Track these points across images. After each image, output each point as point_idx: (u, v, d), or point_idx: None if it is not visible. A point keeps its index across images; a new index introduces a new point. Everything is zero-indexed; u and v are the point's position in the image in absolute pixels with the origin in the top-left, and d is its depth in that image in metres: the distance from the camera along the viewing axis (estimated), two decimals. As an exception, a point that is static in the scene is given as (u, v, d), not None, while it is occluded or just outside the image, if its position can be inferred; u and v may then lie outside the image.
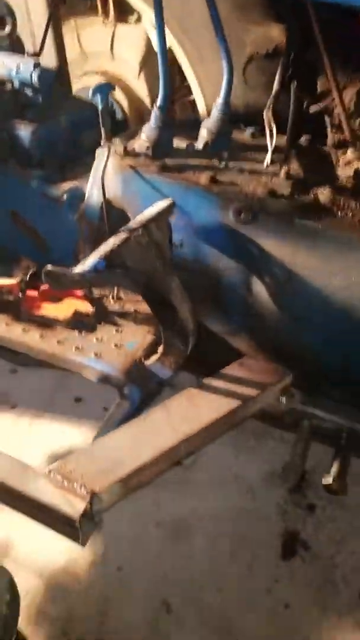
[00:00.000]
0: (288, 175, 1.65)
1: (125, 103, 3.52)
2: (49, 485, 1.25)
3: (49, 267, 1.32)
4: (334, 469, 1.45)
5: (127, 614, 1.83)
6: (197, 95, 2.83)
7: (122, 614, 1.83)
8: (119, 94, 3.57)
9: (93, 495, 1.23)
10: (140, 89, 3.38)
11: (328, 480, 1.44)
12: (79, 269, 1.36)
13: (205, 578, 1.94)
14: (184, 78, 3.18)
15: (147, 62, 3.16)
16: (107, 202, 1.83)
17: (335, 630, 1.82)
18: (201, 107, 2.63)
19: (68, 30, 3.05)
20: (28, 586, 1.88)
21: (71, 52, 3.03)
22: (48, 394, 2.62)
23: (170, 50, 2.78)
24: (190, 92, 2.99)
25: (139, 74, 3.44)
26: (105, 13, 3.19)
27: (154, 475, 1.35)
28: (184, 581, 1.93)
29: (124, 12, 3.12)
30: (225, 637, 1.79)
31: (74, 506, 1.20)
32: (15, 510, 1.32)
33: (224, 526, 2.09)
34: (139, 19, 3.10)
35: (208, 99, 2.54)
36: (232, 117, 2.12)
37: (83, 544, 1.24)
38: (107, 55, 3.42)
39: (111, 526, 2.05)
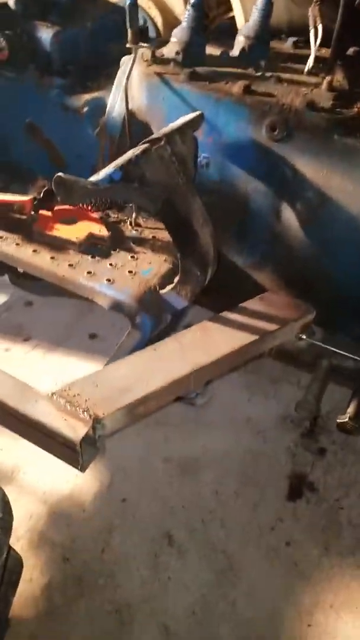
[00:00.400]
0: (330, 87, 1.47)
1: (159, 20, 3.25)
2: (51, 408, 1.20)
3: (60, 174, 1.20)
4: (351, 408, 1.37)
5: (129, 544, 1.83)
6: (237, 11, 2.58)
7: (124, 544, 1.83)
8: (153, 10, 3.30)
9: (96, 421, 1.17)
10: (177, 5, 3.11)
11: (343, 418, 1.36)
12: (92, 178, 1.24)
13: (210, 514, 1.93)
14: (224, -7, 2.90)
15: (185, -25, 2.89)
16: (130, 114, 1.68)
17: (335, 569, 1.79)
18: (240, 23, 2.40)
19: None
20: (31, 510, 1.89)
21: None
22: (63, 329, 2.57)
23: None
24: (231, 9, 2.73)
25: (176, -10, 3.16)
26: None
27: (161, 404, 1.29)
28: (188, 516, 1.92)
29: None
30: (225, 570, 1.79)
31: (75, 430, 1.15)
32: (15, 432, 1.28)
33: (232, 465, 2.06)
34: None
35: (248, 15, 2.30)
36: (275, 33, 1.92)
37: (83, 469, 1.20)
38: (143, -31, 3.13)
39: (119, 458, 2.05)
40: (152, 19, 3.25)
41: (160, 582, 1.75)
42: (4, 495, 1.24)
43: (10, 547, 1.27)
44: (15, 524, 1.80)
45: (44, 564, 1.76)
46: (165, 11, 3.26)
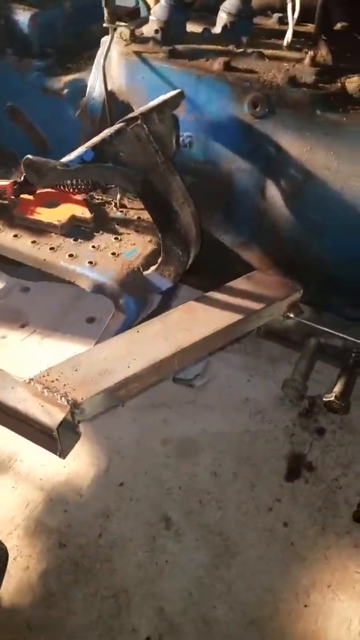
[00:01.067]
0: (313, 62, 1.44)
1: (152, 1, 3.19)
2: (27, 394, 1.19)
3: (29, 156, 1.18)
4: (337, 387, 1.35)
5: (126, 527, 1.83)
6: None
7: (121, 528, 1.83)
8: (145, -8, 3.23)
9: (74, 405, 1.17)
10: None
11: (330, 397, 1.34)
12: (64, 159, 1.22)
13: (207, 495, 1.92)
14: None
15: None
16: (110, 95, 1.65)
17: (331, 550, 1.78)
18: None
19: None
20: (28, 498, 1.89)
21: None
22: (60, 314, 2.57)
23: None
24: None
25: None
26: None
27: (144, 387, 1.28)
28: (185, 498, 1.91)
29: None
30: (222, 552, 1.79)
31: (52, 416, 1.14)
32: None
33: (231, 446, 2.05)
34: None
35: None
36: (266, 9, 1.87)
37: (63, 456, 1.19)
38: None
39: (116, 442, 2.05)
40: (144, 0, 3.19)
41: (157, 566, 1.75)
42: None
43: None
44: (11, 512, 1.84)
45: (40, 551, 1.76)
46: (157, -8, 3.19)
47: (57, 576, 1.71)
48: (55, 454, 1.17)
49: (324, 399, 1.38)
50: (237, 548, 1.80)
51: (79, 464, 1.99)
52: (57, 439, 1.13)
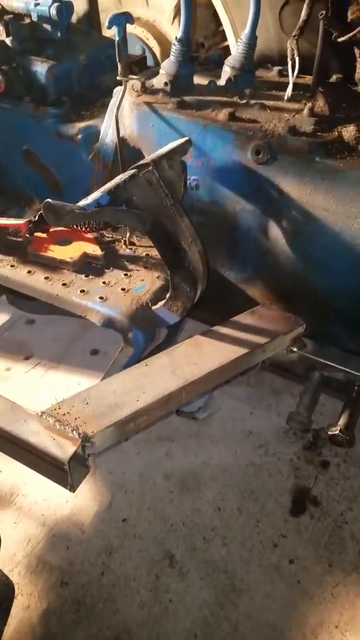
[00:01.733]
0: (312, 112, 1.53)
1: (157, 50, 3.38)
2: (39, 427, 1.21)
3: (49, 200, 1.26)
4: (342, 420, 1.38)
5: (129, 565, 1.81)
6: (231, 41, 2.69)
7: (124, 565, 1.81)
8: (151, 41, 3.43)
9: (85, 439, 1.19)
10: (174, 35, 3.22)
11: (335, 430, 1.37)
12: (81, 203, 1.29)
13: (212, 531, 1.91)
14: (219, 24, 3.02)
15: (181, 8, 3.01)
16: (122, 141, 1.74)
17: (339, 587, 1.76)
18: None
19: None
20: (30, 534, 1.88)
21: (105, -2, 2.90)
22: (64, 346, 2.60)
23: (207, -5, 2.63)
24: (225, 39, 2.84)
25: (173, 20, 3.29)
26: None
27: (153, 420, 1.31)
28: (189, 534, 1.90)
29: None
30: (227, 591, 1.76)
31: (63, 449, 1.16)
32: (5, 453, 1.29)
33: (234, 480, 2.04)
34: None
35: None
36: (266, 61, 1.99)
37: (73, 489, 1.21)
38: (141, 1, 3.28)
39: (119, 477, 2.05)
40: (150, 49, 3.38)
41: (160, 605, 1.72)
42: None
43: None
44: (13, 549, 1.83)
45: (42, 590, 1.74)
46: (163, 41, 3.39)
47: (59, 615, 1.68)
48: (66, 487, 1.18)
49: (328, 433, 1.41)
50: (242, 586, 1.78)
51: (82, 499, 1.99)
52: (68, 472, 1.14)
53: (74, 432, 1.18)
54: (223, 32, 2.84)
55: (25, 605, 1.70)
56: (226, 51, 2.73)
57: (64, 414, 1.23)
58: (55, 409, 1.25)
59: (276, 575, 1.80)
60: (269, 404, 2.32)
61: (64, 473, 1.15)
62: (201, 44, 3.18)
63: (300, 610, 1.72)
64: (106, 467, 2.08)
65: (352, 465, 2.08)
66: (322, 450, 2.13)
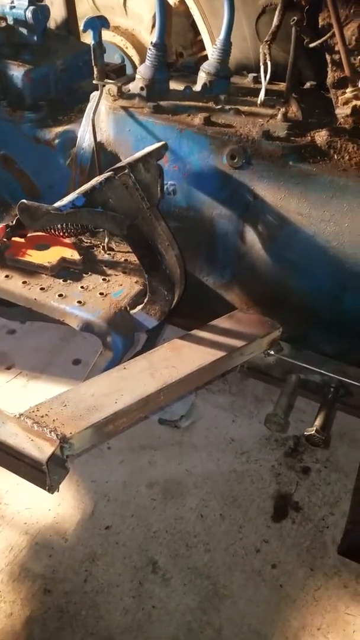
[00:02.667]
0: (285, 118, 1.56)
1: (137, 59, 3.41)
2: (17, 429, 1.21)
3: (24, 201, 1.26)
4: (318, 421, 1.39)
5: (113, 572, 1.80)
6: (209, 50, 2.72)
7: (107, 573, 1.80)
8: (131, 50, 3.46)
9: (63, 440, 1.18)
10: (151, 43, 3.26)
11: (311, 431, 1.38)
12: (56, 204, 1.29)
13: (194, 538, 1.90)
14: (197, 33, 3.06)
15: (160, 17, 3.05)
16: (99, 145, 1.75)
17: (321, 591, 1.77)
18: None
19: (79, -18, 2.94)
20: (12, 542, 1.85)
21: (82, 6, 2.92)
22: (46, 356, 2.59)
23: (184, 3, 2.67)
24: (203, 48, 2.88)
25: (152, 29, 3.32)
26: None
27: (130, 422, 1.30)
28: (172, 541, 1.89)
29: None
30: (210, 596, 1.76)
31: (41, 450, 1.16)
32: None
33: (217, 487, 2.05)
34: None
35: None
36: (243, 70, 2.02)
37: (51, 490, 1.20)
38: (120, 10, 3.31)
39: (102, 485, 2.04)
40: (129, 58, 3.41)
41: (144, 611, 1.71)
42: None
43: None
44: (-5, 558, 1.81)
45: (25, 597, 1.72)
46: (142, 50, 3.42)
47: (42, 623, 1.67)
48: (44, 488, 1.17)
49: (304, 433, 1.42)
50: (225, 591, 1.77)
51: (65, 508, 1.97)
52: (46, 473, 1.14)
53: (52, 433, 1.18)
54: (201, 41, 2.88)
55: (8, 612, 1.68)
56: (204, 60, 2.77)
57: (42, 416, 1.23)
58: (33, 411, 1.25)
59: (259, 580, 1.80)
60: (251, 411, 2.34)
61: (42, 474, 1.15)
62: (180, 54, 3.22)
63: (283, 614, 1.72)
64: (89, 476, 2.07)
65: (332, 470, 2.10)
66: (303, 456, 2.15)
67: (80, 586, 1.76)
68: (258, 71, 1.99)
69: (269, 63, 1.54)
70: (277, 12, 1.60)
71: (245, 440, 2.22)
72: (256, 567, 1.83)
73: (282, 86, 1.76)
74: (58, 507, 1.97)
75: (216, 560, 1.85)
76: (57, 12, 2.40)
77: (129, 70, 3.25)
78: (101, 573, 1.80)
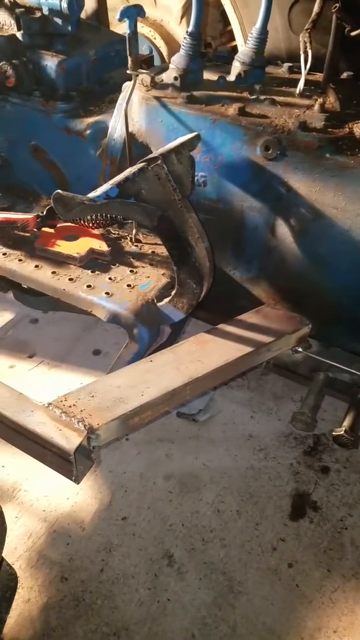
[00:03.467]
0: (322, 108, 1.52)
1: (165, 50, 3.39)
2: (46, 418, 1.21)
3: (59, 191, 1.25)
4: (347, 421, 1.36)
5: (128, 563, 1.80)
6: (239, 40, 2.69)
7: (123, 563, 1.80)
8: (158, 41, 3.44)
9: (90, 431, 1.18)
10: (181, 35, 3.24)
11: (339, 431, 1.35)
12: (90, 195, 1.28)
13: (211, 533, 1.89)
14: (227, 24, 3.03)
15: (190, 7, 3.03)
16: (130, 136, 1.73)
17: (337, 593, 1.75)
18: (241, 51, 2.49)
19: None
20: (31, 529, 1.87)
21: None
22: (67, 345, 2.60)
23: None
24: (232, 39, 2.85)
25: (181, 20, 3.31)
26: None
27: (156, 415, 1.30)
28: (188, 535, 1.89)
29: None
30: (225, 592, 1.75)
31: (69, 440, 1.16)
32: (11, 444, 1.28)
33: (234, 483, 2.04)
34: None
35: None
36: (274, 59, 1.99)
37: (77, 481, 1.20)
38: (149, 1, 3.29)
39: (120, 476, 2.04)
40: (157, 49, 3.39)
41: (159, 604, 1.71)
42: (-2, 506, 1.24)
43: (3, 560, 1.25)
44: (14, 543, 1.82)
45: (42, 584, 1.73)
46: (170, 41, 3.40)
47: (58, 610, 1.67)
48: (70, 478, 1.17)
49: (333, 433, 1.39)
50: (240, 588, 1.76)
51: (83, 497, 1.98)
52: (73, 463, 1.13)
53: (80, 423, 1.18)
54: (230, 32, 2.84)
55: (25, 598, 1.69)
56: (234, 51, 2.75)
57: (70, 406, 1.23)
58: (61, 401, 1.25)
59: (275, 578, 1.79)
60: (270, 408, 2.32)
61: (69, 464, 1.15)
62: (208, 44, 3.19)
63: (299, 614, 1.70)
64: (107, 466, 2.07)
65: (352, 471, 2.07)
66: (322, 455, 2.13)
67: (97, 575, 1.77)
68: (290, 60, 1.97)
69: (309, 52, 1.50)
70: (317, 0, 1.56)
71: (263, 437, 2.20)
72: (272, 565, 1.82)
73: (318, 76, 1.72)
74: (76, 496, 1.98)
75: (232, 556, 1.84)
76: (87, 3, 2.40)
77: (156, 61, 3.23)
78: (117, 563, 1.80)
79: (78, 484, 1.22)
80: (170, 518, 1.93)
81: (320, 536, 1.89)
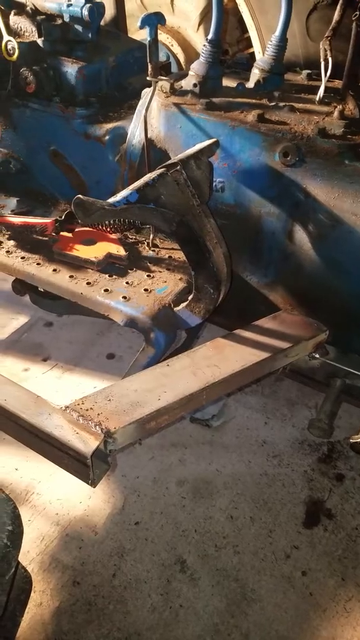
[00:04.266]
0: (342, 115, 1.52)
1: (182, 57, 3.41)
2: (63, 421, 1.21)
3: (80, 196, 1.26)
4: (366, 429, 1.35)
5: (141, 568, 1.80)
6: (257, 47, 2.70)
7: (136, 568, 1.80)
8: (175, 47, 3.46)
9: (107, 434, 1.18)
10: (199, 42, 3.27)
11: (357, 438, 1.34)
12: (110, 200, 1.29)
13: (224, 539, 1.89)
14: (244, 31, 3.04)
15: (207, 14, 3.06)
16: (149, 142, 1.75)
17: (352, 602, 1.73)
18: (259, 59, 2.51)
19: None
20: (44, 532, 1.87)
21: (129, 4, 2.94)
22: (81, 349, 2.61)
23: (232, 1, 2.65)
24: (249, 46, 2.86)
25: (198, 27, 3.33)
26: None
27: (173, 420, 1.30)
28: (201, 541, 1.88)
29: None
30: (238, 599, 1.74)
31: (86, 443, 1.16)
32: (28, 446, 1.29)
33: (247, 489, 2.03)
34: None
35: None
36: (291, 67, 1.99)
37: (94, 484, 1.20)
38: (167, 8, 3.32)
39: (133, 481, 2.04)
40: (174, 56, 3.41)
41: (171, 610, 1.71)
42: (15, 508, 1.23)
43: (19, 563, 1.25)
44: (27, 546, 1.83)
45: (54, 588, 1.74)
46: (187, 48, 3.43)
47: (70, 614, 1.67)
48: (87, 482, 1.18)
49: (350, 441, 1.39)
50: (253, 595, 1.75)
51: (95, 501, 1.98)
52: (89, 467, 1.14)
53: (97, 427, 1.18)
54: (248, 39, 2.85)
55: (38, 602, 1.69)
56: (252, 58, 2.75)
57: (87, 410, 1.23)
58: (78, 404, 1.25)
59: (288, 586, 1.77)
60: (284, 414, 2.31)
61: (86, 467, 1.15)
62: (225, 51, 3.21)
63: (312, 623, 1.69)
64: (120, 471, 2.07)
65: (368, 479, 2.05)
66: (337, 463, 2.11)
67: (109, 580, 1.77)
68: (307, 67, 1.97)
69: (329, 59, 1.51)
70: (338, 7, 1.56)
71: (277, 443, 2.19)
72: (285, 573, 1.80)
73: (337, 83, 1.73)
74: (89, 500, 1.98)
75: (245, 563, 1.83)
76: (106, 10, 2.42)
77: (174, 68, 3.25)
78: (129, 568, 1.80)
79: (94, 487, 1.23)
80: (183, 524, 1.93)
81: (335, 544, 1.87)
